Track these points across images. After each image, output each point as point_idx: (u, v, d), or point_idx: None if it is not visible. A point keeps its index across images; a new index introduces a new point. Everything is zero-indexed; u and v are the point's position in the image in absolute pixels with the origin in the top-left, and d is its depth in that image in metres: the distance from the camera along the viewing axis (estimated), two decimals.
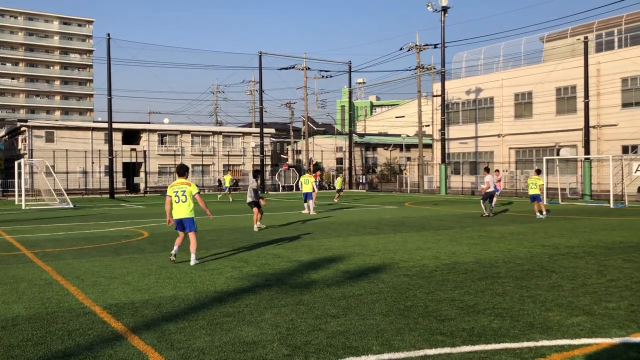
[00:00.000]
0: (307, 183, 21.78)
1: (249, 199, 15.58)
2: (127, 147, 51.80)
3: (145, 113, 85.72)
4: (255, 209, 15.46)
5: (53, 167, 38.89)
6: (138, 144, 53.48)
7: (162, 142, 54.89)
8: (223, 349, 4.92)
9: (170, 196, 9.57)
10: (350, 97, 55.75)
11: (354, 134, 58.65)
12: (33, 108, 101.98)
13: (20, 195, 30.39)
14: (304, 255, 10.52)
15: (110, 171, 41.49)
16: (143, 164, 51.30)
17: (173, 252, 9.66)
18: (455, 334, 5.34)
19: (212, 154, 56.67)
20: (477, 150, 44.18)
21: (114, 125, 44.32)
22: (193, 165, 54.81)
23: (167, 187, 42.09)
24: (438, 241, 12.53)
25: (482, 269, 8.84)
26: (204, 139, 57.20)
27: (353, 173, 53.20)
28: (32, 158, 43.72)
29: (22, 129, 50.71)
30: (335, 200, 30.21)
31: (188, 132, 56.54)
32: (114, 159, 42.95)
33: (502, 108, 42.22)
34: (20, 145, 52.36)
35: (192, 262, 9.47)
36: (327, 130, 79.22)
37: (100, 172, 48.84)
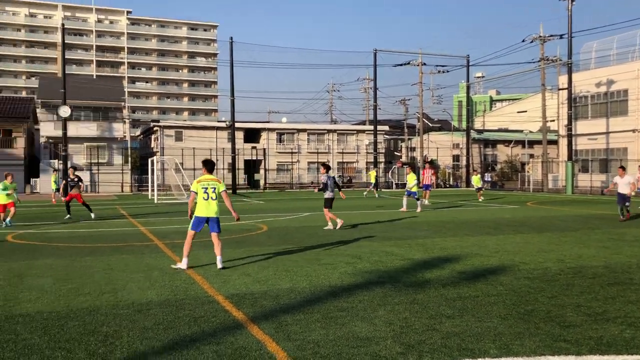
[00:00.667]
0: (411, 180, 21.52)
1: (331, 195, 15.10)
2: (248, 145, 54.12)
3: (265, 113, 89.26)
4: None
5: (181, 164, 41.61)
6: (258, 142, 55.71)
7: (280, 140, 56.75)
8: (337, 343, 5.01)
9: (196, 192, 8.85)
10: (468, 92, 54.07)
11: (471, 130, 56.84)
12: (164, 109, 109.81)
13: (152, 190, 32.91)
14: (417, 253, 10.40)
15: (232, 168, 43.68)
16: (263, 161, 53.38)
17: (183, 265, 8.81)
18: (581, 342, 5.01)
19: (327, 152, 57.61)
20: (609, 146, 40.97)
21: (236, 125, 46.51)
22: (309, 163, 56.12)
23: (285, 183, 43.02)
24: (562, 243, 11.81)
25: (612, 274, 8.21)
26: (319, 137, 58.32)
27: (471, 170, 51.62)
28: (163, 156, 47.13)
29: (155, 128, 54.76)
30: (480, 200, 28.80)
31: (304, 130, 57.95)
32: (236, 156, 45.14)
33: (638, 101, 38.78)
34: (153, 144, 56.60)
35: (220, 265, 8.80)
36: (443, 126, 77.46)
37: (223, 169, 51.48)
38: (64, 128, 39.55)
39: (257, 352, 4.80)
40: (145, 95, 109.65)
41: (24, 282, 7.85)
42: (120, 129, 49.34)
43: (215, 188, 8.91)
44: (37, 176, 45.30)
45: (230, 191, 42.78)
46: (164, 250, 10.96)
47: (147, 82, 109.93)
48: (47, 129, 45.65)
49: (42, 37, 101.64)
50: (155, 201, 30.18)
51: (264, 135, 56.05)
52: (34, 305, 6.49)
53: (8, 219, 16.21)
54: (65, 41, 42.03)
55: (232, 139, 43.83)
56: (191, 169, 48.02)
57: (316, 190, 15.73)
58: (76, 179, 19.33)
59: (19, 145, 46.26)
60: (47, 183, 44.50)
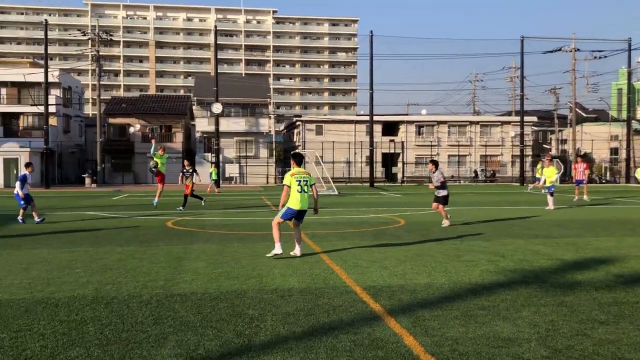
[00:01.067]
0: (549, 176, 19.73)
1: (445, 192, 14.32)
2: (386, 139, 54.15)
3: (404, 105, 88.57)
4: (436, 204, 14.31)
5: (321, 157, 42.79)
6: (396, 135, 55.51)
7: (419, 133, 56.02)
8: (477, 342, 4.86)
9: (289, 186, 9.00)
10: (629, 79, 49.24)
11: (633, 121, 51.70)
12: (306, 104, 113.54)
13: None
14: (567, 253, 9.71)
15: (370, 161, 44.03)
16: (401, 155, 53.10)
17: (278, 249, 9.07)
18: None
19: (468, 144, 55.79)
20: None
21: (375, 118, 46.76)
22: (449, 156, 54.77)
23: (424, 177, 42.24)
24: None
25: None
26: (461, 129, 56.62)
27: (632, 164, 47.02)
28: (304, 149, 48.80)
29: (297, 123, 56.85)
30: None
31: (445, 122, 56.62)
32: (374, 149, 45.39)
33: None
34: (295, 138, 58.81)
35: (299, 252, 9.25)
36: (599, 116, 71.28)
37: (361, 162, 52.05)
38: (217, 123, 42.52)
39: (393, 344, 4.81)
40: (289, 91, 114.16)
41: (181, 265, 8.59)
42: (266, 124, 51.94)
43: (307, 181, 9.10)
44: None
45: (368, 184, 43.17)
46: (305, 239, 11.37)
47: (290, 79, 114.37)
48: (202, 124, 49.35)
49: (198, 39, 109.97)
50: None
51: (402, 127, 55.69)
52: (189, 286, 7.08)
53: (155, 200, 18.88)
54: (218, 42, 45.03)
55: (370, 132, 44.14)
56: (330, 162, 49.17)
57: (431, 186, 14.85)
58: (191, 170, 20.21)
59: (178, 139, 50.61)
60: (201, 175, 48.23)
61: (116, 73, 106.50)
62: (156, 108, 50.41)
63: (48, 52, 42.86)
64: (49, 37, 43.27)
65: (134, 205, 22.02)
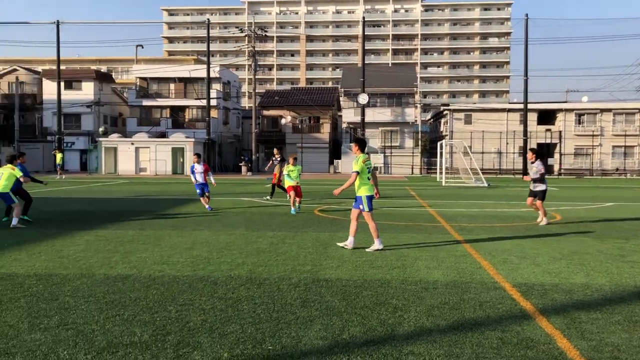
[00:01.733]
0: None
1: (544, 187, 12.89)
2: (542, 128, 50.86)
3: (562, 92, 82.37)
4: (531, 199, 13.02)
5: (470, 147, 41.42)
6: (553, 124, 51.91)
7: (579, 122, 51.85)
8: None
9: (359, 172, 8.85)
10: None
11: None
12: (454, 93, 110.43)
13: (440, 173, 33.56)
14: None
15: (524, 152, 41.70)
16: (558, 145, 49.60)
17: (378, 246, 8.84)
18: None
19: (637, 134, 50.49)
20: None
21: (529, 106, 44.15)
22: (613, 147, 50.03)
23: (584, 169, 39.18)
24: None
25: None
26: (628, 118, 51.37)
27: None
28: (452, 139, 47.57)
29: (444, 112, 55.52)
30: None
31: (609, 110, 51.74)
32: (528, 139, 42.89)
33: None
34: (442, 128, 57.52)
35: (379, 245, 8.86)
36: None
37: (514, 153, 49.49)
38: (362, 114, 43.02)
39: (545, 345, 4.55)
40: (437, 80, 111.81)
41: (327, 252, 8.86)
42: (412, 114, 51.42)
43: (370, 167, 9.08)
44: (339, 158, 50.32)
45: (520, 176, 40.93)
46: (451, 232, 11.12)
47: (438, 67, 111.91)
48: (348, 115, 50.23)
49: (346, 32, 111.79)
50: (443, 184, 30.71)
51: (560, 116, 51.93)
52: (335, 272, 7.28)
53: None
54: (365, 33, 45.40)
55: (525, 121, 41.74)
56: (479, 152, 47.40)
57: (525, 178, 13.44)
58: (279, 158, 19.70)
59: (325, 130, 52.04)
60: (347, 164, 49.18)
61: (270, 67, 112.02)
62: (306, 100, 52.26)
63: (210, 49, 46.27)
64: (210, 35, 46.69)
65: (282, 193, 23.05)
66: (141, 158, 44.83)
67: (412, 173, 48.37)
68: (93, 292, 6.23)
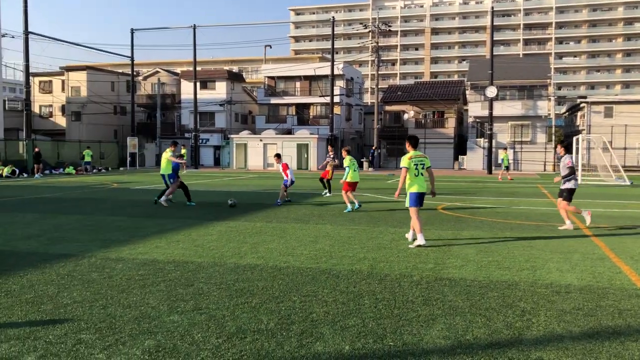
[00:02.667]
0: None
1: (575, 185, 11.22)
2: None
3: None
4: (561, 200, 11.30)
5: (610, 142, 38.25)
6: None
7: None
8: None
9: (408, 168, 8.88)
10: None
11: None
12: (593, 84, 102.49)
13: (577, 170, 31.34)
14: None
15: None
16: None
17: (421, 241, 8.88)
18: None
19: None
20: None
21: None
22: None
23: None
24: None
25: None
26: None
27: None
28: (589, 134, 44.22)
29: (581, 105, 51.72)
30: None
31: None
32: None
33: None
34: (578, 121, 53.68)
35: (422, 241, 8.89)
36: None
37: None
38: (490, 108, 41.34)
39: None
40: (573, 71, 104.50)
41: (451, 250, 8.66)
42: (545, 107, 48.49)
43: (424, 164, 9.03)
44: (464, 154, 48.84)
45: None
46: (587, 233, 10.36)
47: (575, 57, 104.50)
48: (475, 109, 48.52)
49: (473, 23, 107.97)
50: (579, 182, 28.67)
51: None
52: (458, 272, 7.10)
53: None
54: (494, 23, 43.57)
55: None
56: (621, 147, 43.68)
57: (557, 179, 11.64)
58: (332, 155, 19.47)
59: (450, 125, 50.73)
60: (473, 161, 47.59)
61: (393, 62, 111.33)
62: (429, 94, 51.29)
63: (334, 46, 47.00)
64: (334, 32, 47.40)
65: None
66: (269, 154, 46.70)
67: (545, 170, 45.68)
68: (224, 279, 6.61)
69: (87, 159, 37.66)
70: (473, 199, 18.11)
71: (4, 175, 31.68)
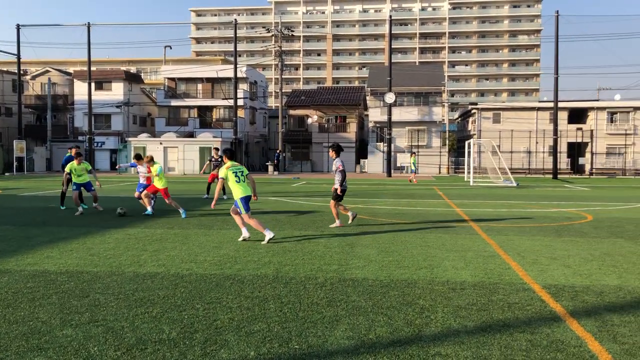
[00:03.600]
0: None
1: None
2: (573, 127, 49.92)
3: (594, 90, 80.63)
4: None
5: (499, 146, 40.89)
6: (584, 123, 50.90)
7: (611, 120, 50.73)
8: None
9: (225, 178, 9.75)
10: None
11: None
12: (483, 91, 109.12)
13: (468, 172, 33.21)
14: None
15: (554, 151, 40.99)
16: (589, 144, 48.64)
17: (270, 235, 9.58)
18: None
19: None
20: None
21: (560, 104, 43.36)
22: None
23: (616, 169, 38.21)
24: None
25: None
26: None
27: None
28: (480, 138, 47.01)
29: (472, 111, 54.91)
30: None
31: None
32: (559, 138, 42.15)
33: None
34: (470, 127, 56.91)
35: (270, 235, 9.61)
36: None
37: (543, 152, 48.70)
38: (389, 113, 42.80)
39: (575, 348, 4.46)
40: (465, 78, 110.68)
41: (354, 251, 8.84)
42: (439, 113, 50.96)
43: (242, 171, 9.84)
44: (365, 157, 50.19)
45: (550, 176, 40.31)
46: (479, 232, 10.99)
47: (466, 65, 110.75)
48: (375, 114, 50.04)
49: (373, 30, 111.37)
50: (471, 183, 30.39)
51: (591, 115, 50.90)
52: (361, 272, 7.26)
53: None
54: (392, 32, 45.19)
55: (555, 120, 41.01)
56: (508, 151, 46.78)
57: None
58: (219, 159, 19.23)
59: (351, 129, 51.95)
60: (373, 164, 48.99)
61: (296, 67, 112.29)
62: (332, 99, 52.24)
63: (237, 49, 46.62)
64: (237, 35, 47.03)
65: (311, 192, 23.12)
66: (170, 158, 45.41)
67: (440, 173, 47.96)
68: (123, 289, 6.33)
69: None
70: (374, 201, 18.63)
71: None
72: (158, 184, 13.98)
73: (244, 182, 9.77)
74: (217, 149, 20.22)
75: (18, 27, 45.29)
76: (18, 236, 10.33)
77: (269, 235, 9.55)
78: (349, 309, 5.56)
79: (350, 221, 12.21)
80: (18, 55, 45.51)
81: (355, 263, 7.86)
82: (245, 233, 9.83)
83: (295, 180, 35.11)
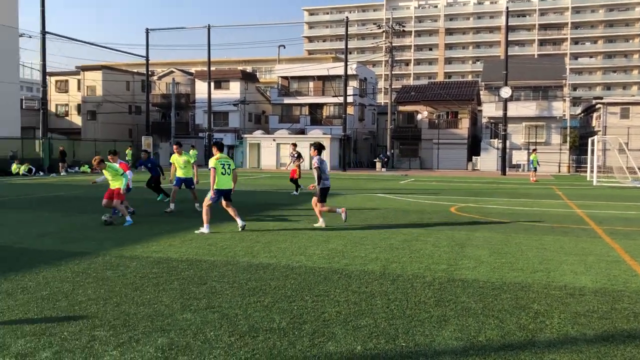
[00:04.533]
0: None
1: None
2: None
3: None
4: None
5: (627, 144, 37.83)
6: None
7: None
8: None
9: (215, 168, 10.14)
10: None
11: None
12: (609, 85, 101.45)
13: (591, 171, 31.04)
14: None
15: None
16: None
17: (205, 230, 10.13)
18: None
19: None
20: None
21: None
22: None
23: None
24: None
25: None
26: None
27: None
28: (605, 135, 43.77)
29: (597, 106, 51.25)
30: None
31: None
32: None
33: None
34: (594, 123, 53.19)
35: (205, 230, 10.07)
36: None
37: None
38: (504, 108, 41.07)
39: None
40: (589, 71, 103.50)
41: (464, 251, 8.62)
42: (560, 108, 48.09)
43: (229, 165, 10.37)
44: (478, 154, 48.56)
45: None
46: (602, 236, 10.26)
47: (591, 57, 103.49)
48: (489, 109, 48.23)
49: (488, 23, 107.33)
50: (594, 183, 28.40)
51: None
52: (471, 273, 7.07)
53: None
54: (509, 23, 43.29)
55: None
56: (638, 149, 43.18)
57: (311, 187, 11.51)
58: (296, 155, 19.44)
59: (463, 125, 50.48)
60: (486, 162, 47.30)
61: (407, 62, 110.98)
62: (443, 95, 51.07)
63: (347, 46, 46.99)
64: (348, 32, 47.38)
65: (419, 190, 22.81)
66: (282, 153, 46.79)
67: (560, 171, 45.29)
68: (237, 278, 6.64)
69: (129, 157, 38.87)
70: (486, 200, 18.00)
71: (20, 173, 32.10)
72: (115, 183, 11.56)
73: (229, 175, 10.36)
74: (294, 145, 20.60)
75: (147, 31, 48.79)
76: (145, 225, 11.19)
77: (205, 230, 10.06)
78: (458, 309, 5.44)
79: (344, 218, 11.19)
80: (147, 58, 49.03)
81: (466, 263, 7.66)
82: (205, 229, 10.11)
83: (403, 177, 34.78)
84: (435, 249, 8.71)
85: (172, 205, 13.75)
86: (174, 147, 14.53)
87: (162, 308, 5.39)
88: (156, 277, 6.65)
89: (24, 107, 48.75)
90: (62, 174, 33.23)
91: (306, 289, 6.18)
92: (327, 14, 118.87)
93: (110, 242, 9.15)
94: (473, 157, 49.17)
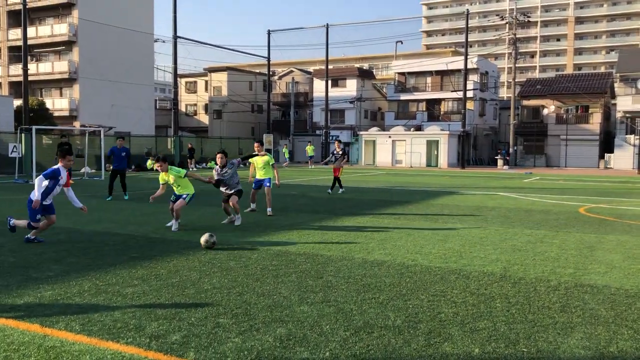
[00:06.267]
0: None
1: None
2: None
3: None
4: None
5: None
6: None
7: None
8: None
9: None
10: None
11: None
12: None
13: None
14: None
15: None
16: None
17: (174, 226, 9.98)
18: None
19: None
20: None
21: None
22: None
23: None
24: None
25: None
26: None
27: None
28: None
29: None
30: None
31: None
32: None
33: None
34: None
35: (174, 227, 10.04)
36: None
37: None
38: None
39: None
40: None
41: (593, 255, 8.04)
42: None
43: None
44: (611, 152, 44.99)
45: None
46: None
47: None
48: (624, 103, 44.46)
49: (624, 9, 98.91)
50: None
51: None
52: (602, 279, 6.58)
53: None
54: None
55: None
56: None
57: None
58: (341, 152, 18.60)
59: (595, 120, 46.99)
60: (621, 159, 43.66)
61: (532, 54, 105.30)
62: (572, 88, 47.84)
63: (468, 40, 45.53)
64: (469, 25, 45.89)
65: (544, 189, 21.60)
66: (397, 150, 46.47)
67: None
68: (352, 274, 6.71)
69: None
70: (621, 201, 16.65)
71: (154, 168, 34.77)
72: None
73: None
74: (339, 141, 19.51)
75: (269, 32, 50.62)
76: (266, 220, 11.65)
77: (174, 226, 10.07)
78: (586, 317, 5.10)
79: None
80: (268, 58, 50.91)
81: (595, 268, 7.15)
82: (174, 225, 10.11)
83: (527, 175, 33.10)
84: (561, 252, 8.21)
85: (252, 205, 12.87)
86: (255, 145, 12.91)
87: (280, 299, 5.59)
88: (275, 269, 6.90)
89: (157, 107, 52.66)
90: (191, 169, 35.63)
91: (422, 288, 6.10)
92: (447, 7, 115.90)
93: (234, 234, 9.64)
94: (606, 154, 45.60)
